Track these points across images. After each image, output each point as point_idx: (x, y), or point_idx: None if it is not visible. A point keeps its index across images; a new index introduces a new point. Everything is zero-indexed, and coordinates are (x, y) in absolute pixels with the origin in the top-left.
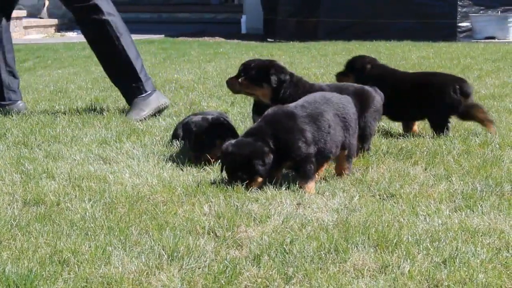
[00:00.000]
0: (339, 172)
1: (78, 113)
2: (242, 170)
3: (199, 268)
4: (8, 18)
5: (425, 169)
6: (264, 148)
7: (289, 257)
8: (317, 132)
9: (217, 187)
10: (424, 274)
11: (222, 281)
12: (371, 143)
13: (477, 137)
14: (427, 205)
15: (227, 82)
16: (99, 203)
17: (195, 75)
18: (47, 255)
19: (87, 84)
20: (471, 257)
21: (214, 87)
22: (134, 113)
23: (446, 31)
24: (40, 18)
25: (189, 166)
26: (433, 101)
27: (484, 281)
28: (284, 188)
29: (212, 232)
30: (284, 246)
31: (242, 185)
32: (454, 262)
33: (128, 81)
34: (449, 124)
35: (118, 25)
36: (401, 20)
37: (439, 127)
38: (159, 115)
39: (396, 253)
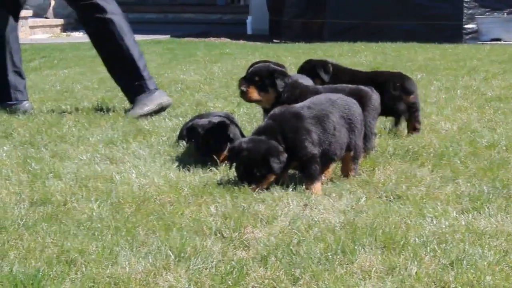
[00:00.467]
0: (346, 174)
1: (84, 113)
2: (257, 167)
3: (206, 269)
4: (16, 18)
5: (432, 171)
6: (279, 146)
7: (296, 258)
8: (322, 133)
9: (223, 187)
10: (431, 276)
11: (229, 282)
12: (374, 143)
13: (484, 139)
14: (434, 207)
15: (241, 92)
16: (106, 203)
17: (201, 75)
18: (54, 255)
19: (93, 84)
20: (478, 259)
21: (220, 88)
22: (137, 108)
23: (452, 32)
24: (46, 18)
25: (195, 166)
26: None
27: (492, 283)
28: (290, 189)
29: (219, 233)
30: (291, 247)
31: (254, 183)
32: (462, 264)
33: (131, 79)
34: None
35: (121, 24)
36: (407, 22)
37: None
38: (165, 115)
39: (403, 255)
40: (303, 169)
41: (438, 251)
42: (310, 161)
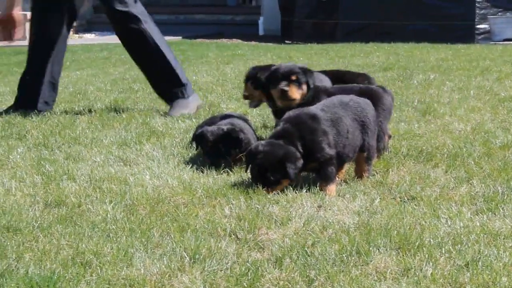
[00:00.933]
0: (359, 175)
1: (97, 115)
2: (272, 171)
3: (221, 271)
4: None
5: (446, 172)
6: (297, 152)
7: (311, 260)
8: (337, 136)
9: (237, 189)
10: (446, 277)
11: (244, 284)
12: (387, 143)
13: (498, 139)
14: (449, 208)
15: (282, 92)
16: (120, 205)
17: (213, 77)
18: (70, 257)
19: (106, 85)
20: (493, 260)
21: (233, 89)
22: (181, 108)
23: (464, 33)
24: None
25: (209, 168)
26: None
27: (507, 284)
28: (304, 191)
29: (233, 234)
30: (306, 249)
31: (268, 186)
32: (477, 265)
33: (170, 86)
34: None
35: (154, 32)
36: (419, 22)
37: None
38: (177, 116)
39: (418, 256)
40: (319, 171)
41: (453, 252)
42: (327, 162)
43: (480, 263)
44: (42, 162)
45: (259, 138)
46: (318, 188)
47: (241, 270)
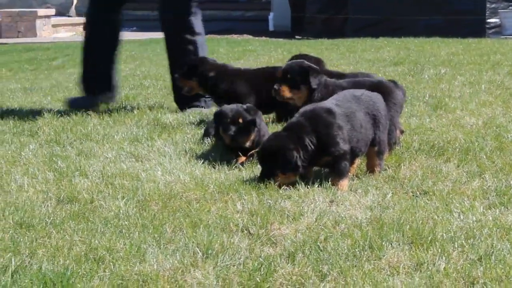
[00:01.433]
0: (371, 169)
1: (109, 111)
2: (272, 163)
3: (233, 266)
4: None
5: (458, 166)
6: (297, 144)
7: (324, 255)
8: (351, 130)
9: (249, 184)
10: (459, 271)
11: (257, 279)
12: (398, 138)
13: (510, 133)
14: (461, 202)
15: (275, 91)
16: (132, 200)
17: None
18: (82, 253)
19: (117, 82)
20: (506, 254)
21: None
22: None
23: (474, 27)
24: (69, 16)
25: (220, 163)
26: None
27: None
28: (316, 186)
29: (246, 230)
30: (318, 244)
31: (268, 178)
32: (490, 259)
33: (194, 99)
34: None
35: (203, 46)
36: (429, 17)
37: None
38: (189, 112)
39: (431, 250)
40: (333, 165)
41: (466, 246)
42: (341, 157)
43: (493, 257)
44: (54, 158)
45: None
46: (330, 183)
47: (254, 265)
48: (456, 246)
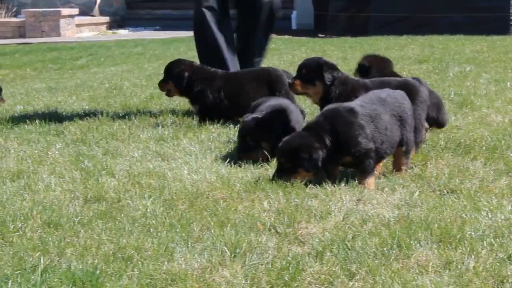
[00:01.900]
0: (398, 168)
1: (134, 110)
2: (287, 160)
3: (261, 265)
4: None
5: (485, 164)
6: (316, 143)
7: (352, 254)
8: (375, 131)
9: (275, 183)
10: (489, 270)
11: (286, 278)
12: (424, 135)
13: None
14: (489, 201)
15: (289, 84)
16: (159, 200)
17: None
18: (111, 252)
19: (141, 81)
20: None
21: None
22: None
23: (498, 24)
24: (92, 16)
25: (246, 162)
26: None
27: None
28: (343, 184)
29: (273, 229)
30: (346, 242)
31: (284, 176)
32: None
33: None
34: None
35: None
36: (453, 14)
37: None
38: None
39: (459, 249)
40: (356, 164)
41: (495, 245)
42: (364, 155)
43: None
44: (80, 157)
45: None
46: (356, 181)
47: (282, 264)
48: (485, 244)
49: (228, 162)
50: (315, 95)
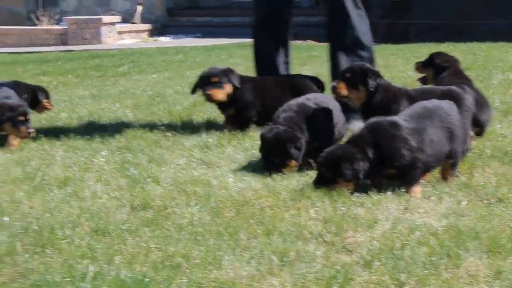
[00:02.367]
0: (444, 177)
1: (177, 118)
2: (328, 170)
3: (310, 273)
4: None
5: None
6: (358, 154)
7: (400, 263)
8: (420, 144)
9: (321, 191)
10: None
11: (335, 287)
12: (470, 144)
13: None
14: None
15: (332, 87)
16: (206, 207)
17: None
18: (159, 260)
19: (184, 88)
20: None
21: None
22: None
23: None
24: (133, 23)
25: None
26: None
27: None
28: (389, 193)
29: (320, 237)
30: (394, 251)
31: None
32: None
33: None
34: None
35: None
36: (495, 21)
37: None
38: None
39: (510, 259)
40: (402, 176)
41: None
42: (409, 167)
43: None
44: (125, 165)
45: None
46: (402, 190)
47: (331, 273)
48: None
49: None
50: (357, 100)
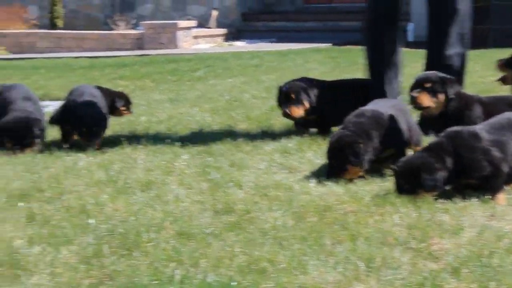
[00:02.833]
0: None
1: (256, 122)
2: (407, 180)
3: (397, 280)
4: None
5: None
6: (436, 164)
7: (489, 271)
8: (503, 155)
9: (404, 196)
10: None
11: None
12: None
13: None
14: None
15: (412, 98)
16: (288, 212)
17: None
18: (245, 264)
19: (261, 93)
20: None
21: None
22: None
23: None
24: (208, 28)
25: (372, 175)
26: None
27: None
28: (474, 199)
29: (406, 243)
30: (482, 259)
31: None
32: None
33: None
34: None
35: None
36: None
37: None
38: None
39: None
40: (485, 185)
41: None
42: (491, 177)
43: None
44: (207, 169)
45: None
46: (487, 197)
47: (418, 279)
48: None
49: None
50: (436, 109)
